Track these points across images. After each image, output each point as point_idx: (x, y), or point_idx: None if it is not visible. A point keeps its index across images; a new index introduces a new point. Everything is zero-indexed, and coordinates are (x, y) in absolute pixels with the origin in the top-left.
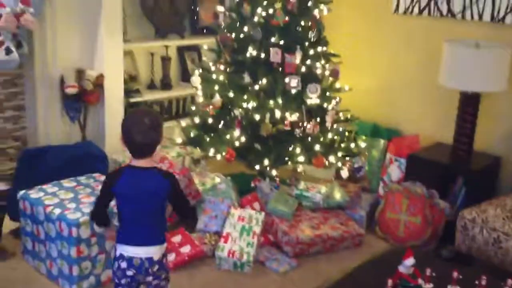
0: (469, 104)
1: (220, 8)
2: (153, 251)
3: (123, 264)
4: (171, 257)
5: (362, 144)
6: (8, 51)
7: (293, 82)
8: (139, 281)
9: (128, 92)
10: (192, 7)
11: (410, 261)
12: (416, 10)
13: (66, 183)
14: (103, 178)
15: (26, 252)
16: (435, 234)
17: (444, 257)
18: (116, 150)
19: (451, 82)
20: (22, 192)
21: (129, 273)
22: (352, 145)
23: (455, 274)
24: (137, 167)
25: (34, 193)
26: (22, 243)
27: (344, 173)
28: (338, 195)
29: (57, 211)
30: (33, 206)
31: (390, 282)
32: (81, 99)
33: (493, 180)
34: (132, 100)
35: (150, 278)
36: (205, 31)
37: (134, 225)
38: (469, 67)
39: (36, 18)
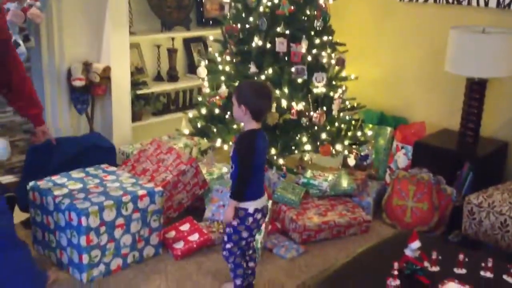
0: (476, 91)
1: None
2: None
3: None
4: (180, 245)
5: (369, 132)
6: (15, 45)
7: (299, 71)
8: None
9: (135, 84)
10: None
11: (415, 244)
12: None
13: (75, 174)
14: (111, 169)
15: (36, 242)
16: (442, 219)
17: (451, 242)
18: (123, 141)
19: (457, 69)
20: (31, 183)
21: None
22: (359, 133)
23: (461, 257)
24: (258, 129)
25: (43, 184)
26: (32, 233)
27: (351, 161)
28: (345, 182)
29: (66, 201)
30: (43, 196)
31: (396, 265)
32: (89, 92)
33: (500, 166)
34: (139, 92)
35: None
36: (211, 22)
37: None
38: (475, 53)
39: (43, 12)
